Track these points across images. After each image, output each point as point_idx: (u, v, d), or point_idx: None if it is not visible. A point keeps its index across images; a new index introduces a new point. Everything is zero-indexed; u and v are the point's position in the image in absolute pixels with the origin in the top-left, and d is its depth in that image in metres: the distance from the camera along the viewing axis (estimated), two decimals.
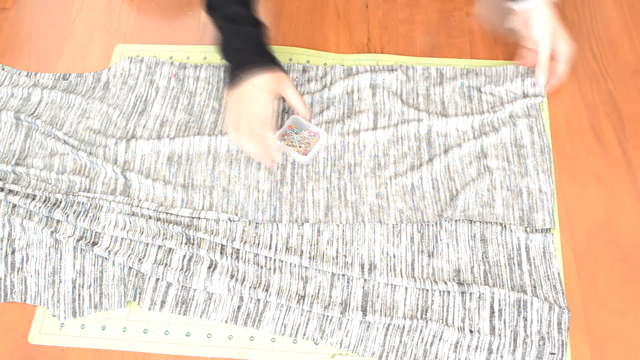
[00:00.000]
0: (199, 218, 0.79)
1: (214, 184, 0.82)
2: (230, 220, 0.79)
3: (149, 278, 0.75)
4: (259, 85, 0.79)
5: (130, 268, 0.76)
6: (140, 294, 0.75)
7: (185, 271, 0.75)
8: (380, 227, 0.78)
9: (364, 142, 0.84)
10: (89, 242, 0.77)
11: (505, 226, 0.77)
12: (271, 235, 0.78)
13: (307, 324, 0.73)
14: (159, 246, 0.77)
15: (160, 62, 0.93)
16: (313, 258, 0.76)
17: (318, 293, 0.74)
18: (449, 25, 0.97)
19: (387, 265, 0.75)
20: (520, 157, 0.83)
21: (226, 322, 0.73)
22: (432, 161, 0.82)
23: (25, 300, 0.76)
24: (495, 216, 0.78)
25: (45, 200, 0.80)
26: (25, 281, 0.76)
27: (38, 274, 0.76)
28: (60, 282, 0.76)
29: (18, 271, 0.77)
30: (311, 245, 0.77)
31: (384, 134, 0.84)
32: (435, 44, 0.95)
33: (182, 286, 0.75)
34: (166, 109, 0.89)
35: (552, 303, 0.72)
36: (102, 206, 0.80)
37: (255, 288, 0.73)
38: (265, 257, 0.76)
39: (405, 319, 0.71)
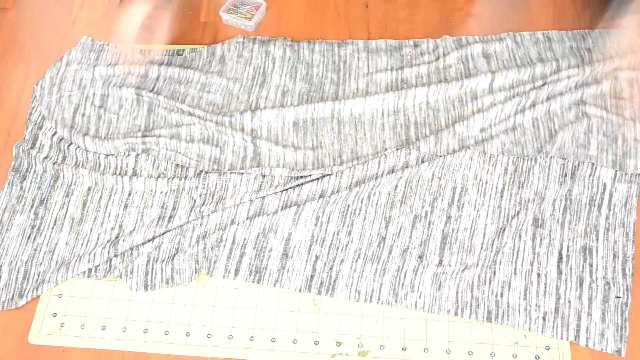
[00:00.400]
0: (331, 174, 0.80)
1: (342, 146, 0.84)
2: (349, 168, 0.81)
3: (224, 246, 0.76)
4: None
5: (204, 245, 0.76)
6: (214, 262, 0.76)
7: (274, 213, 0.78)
8: (477, 156, 0.81)
9: (482, 101, 0.86)
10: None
11: (595, 169, 0.79)
12: (379, 163, 0.80)
13: (380, 289, 0.74)
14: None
15: (274, 38, 0.95)
16: (409, 181, 0.79)
17: (399, 233, 0.76)
18: (449, 25, 0.97)
19: (478, 190, 0.79)
20: (618, 108, 0.85)
21: (300, 291, 0.74)
22: (535, 106, 0.85)
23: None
24: (589, 157, 0.81)
25: (170, 178, 0.81)
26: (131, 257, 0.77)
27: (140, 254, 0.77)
28: (138, 254, 0.76)
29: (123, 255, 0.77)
30: (412, 167, 0.79)
31: (500, 92, 0.87)
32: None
33: (256, 255, 0.76)
34: (286, 79, 0.90)
35: (617, 250, 0.75)
36: (228, 187, 0.81)
37: (337, 234, 0.77)
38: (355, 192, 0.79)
39: (477, 266, 0.74)
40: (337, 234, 0.77)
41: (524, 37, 0.93)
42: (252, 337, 0.73)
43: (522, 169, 0.80)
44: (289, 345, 0.73)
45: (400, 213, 0.78)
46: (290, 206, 0.78)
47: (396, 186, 0.79)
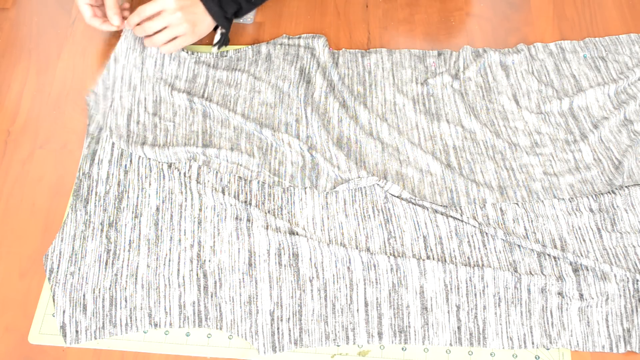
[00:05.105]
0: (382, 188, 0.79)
1: (387, 167, 0.83)
2: (412, 203, 0.79)
3: (357, 311, 0.73)
4: None
5: (333, 305, 0.73)
6: (352, 330, 0.72)
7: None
8: (558, 203, 0.78)
9: (514, 125, 0.86)
10: (289, 254, 0.76)
11: None
12: (460, 218, 0.77)
13: (531, 332, 0.71)
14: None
15: (317, 36, 0.95)
16: (506, 236, 0.75)
17: (530, 272, 0.73)
18: (449, 25, 0.97)
19: (576, 237, 0.76)
20: None
21: (450, 345, 0.71)
22: (586, 136, 0.84)
23: (221, 329, 0.73)
24: None
25: (236, 195, 0.80)
26: (220, 308, 0.74)
27: (233, 301, 0.74)
28: (257, 312, 0.73)
29: (212, 296, 0.74)
30: (498, 224, 0.77)
31: (530, 115, 0.87)
32: (436, 43, 0.95)
33: (395, 315, 0.72)
34: (327, 82, 0.90)
35: None
36: (294, 201, 0.80)
37: (470, 275, 0.73)
38: (470, 243, 0.76)
39: (620, 296, 0.72)
40: (470, 279, 0.73)
41: (538, 49, 0.92)
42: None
43: (605, 205, 0.77)
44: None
45: (523, 255, 0.75)
46: (396, 255, 0.75)
47: (504, 233, 0.76)
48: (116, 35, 0.98)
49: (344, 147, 0.85)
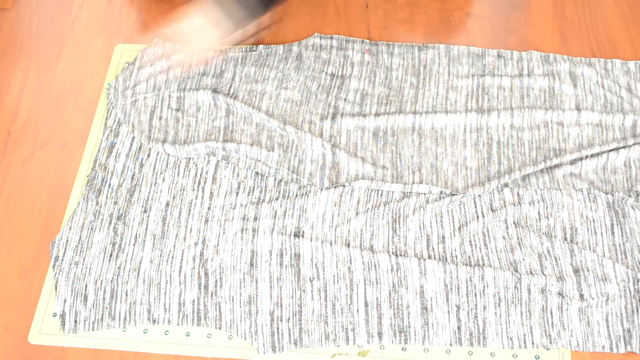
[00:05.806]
0: (411, 192, 0.80)
1: (422, 160, 0.83)
2: (442, 193, 0.79)
3: (357, 311, 0.73)
4: None
5: (333, 306, 0.74)
6: (352, 330, 0.72)
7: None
8: (576, 193, 0.79)
9: (568, 132, 0.85)
10: (289, 234, 0.76)
11: None
12: (475, 202, 0.78)
13: (531, 332, 0.71)
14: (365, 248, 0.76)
15: (351, 39, 0.94)
16: (517, 223, 0.76)
17: (530, 271, 0.73)
18: (449, 25, 0.97)
19: (588, 229, 0.76)
20: None
21: (450, 345, 0.71)
22: (633, 147, 0.82)
23: (220, 328, 0.73)
24: None
25: (251, 191, 0.80)
26: (220, 307, 0.74)
27: (233, 301, 0.74)
28: (257, 312, 0.73)
29: (212, 295, 0.75)
30: (514, 206, 0.78)
31: (587, 127, 0.85)
32: (435, 44, 0.95)
33: (395, 315, 0.73)
34: (364, 83, 0.89)
35: None
36: (308, 197, 0.80)
37: (471, 275, 0.73)
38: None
39: (620, 297, 0.72)
40: (471, 277, 0.74)
41: (615, 65, 0.90)
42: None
43: (619, 201, 0.78)
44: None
45: (524, 255, 0.75)
46: (399, 254, 0.76)
47: (506, 227, 0.77)
48: (116, 35, 0.98)
49: (380, 139, 0.84)
